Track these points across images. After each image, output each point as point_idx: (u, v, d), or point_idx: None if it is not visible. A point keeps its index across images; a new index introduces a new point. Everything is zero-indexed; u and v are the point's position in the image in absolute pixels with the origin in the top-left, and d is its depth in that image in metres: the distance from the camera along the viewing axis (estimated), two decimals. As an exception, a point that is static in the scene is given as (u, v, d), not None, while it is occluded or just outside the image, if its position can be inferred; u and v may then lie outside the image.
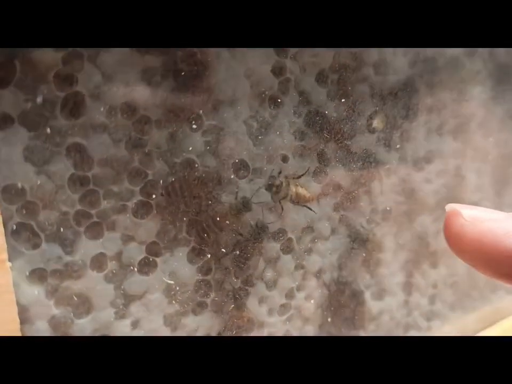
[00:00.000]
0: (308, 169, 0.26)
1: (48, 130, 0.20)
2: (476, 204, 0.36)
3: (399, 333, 0.35)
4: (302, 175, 0.26)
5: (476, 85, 0.33)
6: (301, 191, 0.26)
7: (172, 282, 0.23)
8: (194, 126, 0.23)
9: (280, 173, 0.25)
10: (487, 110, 0.34)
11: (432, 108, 0.31)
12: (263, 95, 0.25)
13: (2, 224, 0.17)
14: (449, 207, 0.16)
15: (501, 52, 0.34)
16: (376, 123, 0.28)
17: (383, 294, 0.33)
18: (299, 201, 0.26)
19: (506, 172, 0.37)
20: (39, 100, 0.19)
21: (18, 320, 0.16)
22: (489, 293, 0.41)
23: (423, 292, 0.36)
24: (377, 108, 0.28)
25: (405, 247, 0.33)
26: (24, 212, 0.20)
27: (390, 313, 0.34)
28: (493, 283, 0.41)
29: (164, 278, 0.23)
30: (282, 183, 0.25)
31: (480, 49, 0.33)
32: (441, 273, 0.36)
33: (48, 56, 0.20)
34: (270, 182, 0.25)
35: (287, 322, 0.29)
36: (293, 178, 0.26)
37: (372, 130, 0.28)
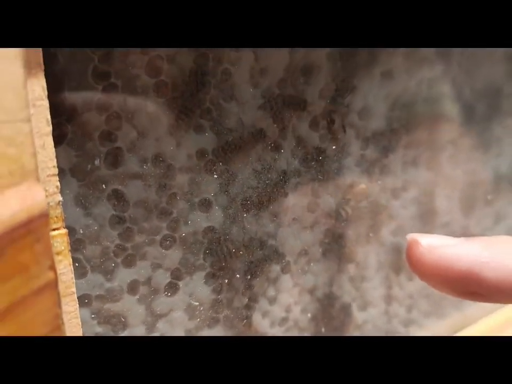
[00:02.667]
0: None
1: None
2: (447, 224, 0.42)
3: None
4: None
5: (446, 124, 0.39)
6: None
7: (197, 303, 0.27)
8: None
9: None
10: (456, 145, 0.40)
11: (408, 144, 0.37)
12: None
13: (71, 264, 0.21)
14: (409, 236, 0.18)
15: (467, 92, 0.39)
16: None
17: (366, 306, 0.38)
18: None
19: (473, 197, 0.42)
20: (96, 162, 0.23)
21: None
22: (458, 302, 0.46)
23: (401, 302, 0.41)
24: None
25: (385, 264, 0.38)
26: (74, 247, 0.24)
27: (373, 322, 0.39)
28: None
29: (190, 300, 0.27)
30: None
31: (447, 92, 0.38)
32: (417, 285, 0.42)
33: (95, 118, 0.24)
34: None
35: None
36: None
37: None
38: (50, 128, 0.19)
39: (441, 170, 0.40)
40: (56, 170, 0.19)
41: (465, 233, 0.43)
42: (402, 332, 0.42)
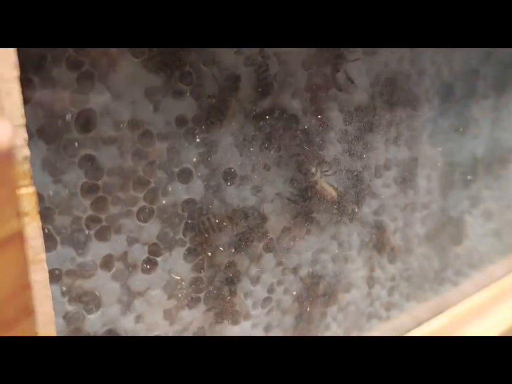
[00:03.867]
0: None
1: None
2: (426, 205, 0.41)
3: (363, 321, 0.39)
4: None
5: (425, 103, 0.38)
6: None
7: (179, 277, 0.26)
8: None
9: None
10: (435, 124, 0.39)
11: (391, 122, 0.36)
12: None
13: (41, 228, 0.19)
14: None
15: (446, 71, 0.39)
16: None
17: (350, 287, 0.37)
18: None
19: (451, 178, 0.42)
20: (68, 118, 0.21)
21: (53, 313, 0.18)
22: (438, 286, 0.46)
23: (383, 284, 0.40)
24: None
25: (369, 245, 0.37)
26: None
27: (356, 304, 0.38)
28: (442, 276, 0.46)
29: (172, 274, 0.25)
30: None
31: (428, 69, 0.38)
32: (399, 268, 0.41)
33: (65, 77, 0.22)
34: None
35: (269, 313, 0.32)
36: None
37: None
38: (17, 74, 0.17)
39: (421, 149, 0.39)
40: (23, 121, 0.17)
41: (443, 215, 0.43)
42: (384, 315, 0.41)
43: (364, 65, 0.33)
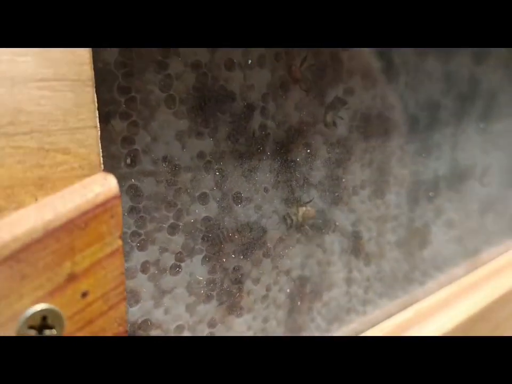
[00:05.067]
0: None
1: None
2: (396, 217, 0.49)
3: (343, 314, 0.47)
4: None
5: (395, 133, 0.46)
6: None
7: (201, 278, 0.33)
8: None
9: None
10: (403, 150, 0.47)
11: (365, 150, 0.44)
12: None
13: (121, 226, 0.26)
14: None
15: (412, 104, 0.47)
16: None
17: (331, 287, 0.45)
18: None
19: (417, 194, 0.50)
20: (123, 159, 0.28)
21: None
22: (407, 285, 0.54)
23: (359, 284, 0.48)
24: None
25: (347, 251, 0.45)
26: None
27: (336, 300, 0.46)
28: (411, 277, 0.54)
29: (197, 276, 0.32)
30: None
31: (396, 105, 0.46)
32: (373, 270, 0.49)
33: (119, 126, 0.29)
34: None
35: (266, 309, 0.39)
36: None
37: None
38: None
39: (391, 171, 0.47)
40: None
41: (411, 225, 0.51)
42: (361, 310, 0.49)
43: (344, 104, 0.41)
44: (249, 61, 0.33)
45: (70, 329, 0.19)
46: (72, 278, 0.18)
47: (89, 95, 0.20)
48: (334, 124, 0.38)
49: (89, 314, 0.20)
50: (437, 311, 0.54)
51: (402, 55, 0.45)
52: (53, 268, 0.18)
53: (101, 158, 0.21)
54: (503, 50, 0.55)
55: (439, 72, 0.49)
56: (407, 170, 0.49)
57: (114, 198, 0.19)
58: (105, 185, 0.19)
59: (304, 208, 0.37)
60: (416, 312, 0.52)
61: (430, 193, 0.50)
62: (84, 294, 0.19)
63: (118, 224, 0.19)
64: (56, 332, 0.19)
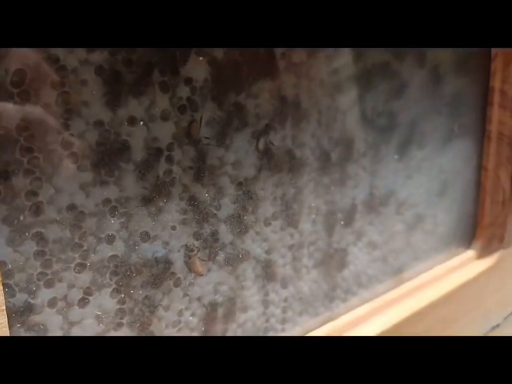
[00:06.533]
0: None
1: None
2: (313, 242, 0.53)
3: (260, 334, 0.51)
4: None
5: (306, 167, 0.50)
6: None
7: (100, 313, 0.37)
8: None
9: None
10: (316, 181, 0.52)
11: (277, 185, 0.48)
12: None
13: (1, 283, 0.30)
14: None
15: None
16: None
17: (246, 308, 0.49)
18: None
19: (334, 220, 0.55)
20: (22, 216, 0.32)
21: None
22: (329, 303, 0.58)
23: (277, 305, 0.52)
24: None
25: (262, 276, 0.49)
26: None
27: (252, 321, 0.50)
28: (332, 295, 0.59)
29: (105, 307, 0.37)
30: None
31: (308, 142, 0.50)
32: (291, 292, 0.53)
33: (21, 182, 0.33)
34: None
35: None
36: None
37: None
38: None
39: (304, 202, 0.51)
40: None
41: (329, 248, 0.56)
42: (279, 328, 0.53)
43: (251, 146, 0.45)
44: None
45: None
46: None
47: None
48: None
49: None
50: (355, 326, 0.58)
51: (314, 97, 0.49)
52: None
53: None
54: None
55: (355, 110, 0.54)
56: (322, 199, 0.53)
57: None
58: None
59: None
60: (334, 326, 0.57)
61: (342, 222, 0.55)
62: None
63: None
64: None
